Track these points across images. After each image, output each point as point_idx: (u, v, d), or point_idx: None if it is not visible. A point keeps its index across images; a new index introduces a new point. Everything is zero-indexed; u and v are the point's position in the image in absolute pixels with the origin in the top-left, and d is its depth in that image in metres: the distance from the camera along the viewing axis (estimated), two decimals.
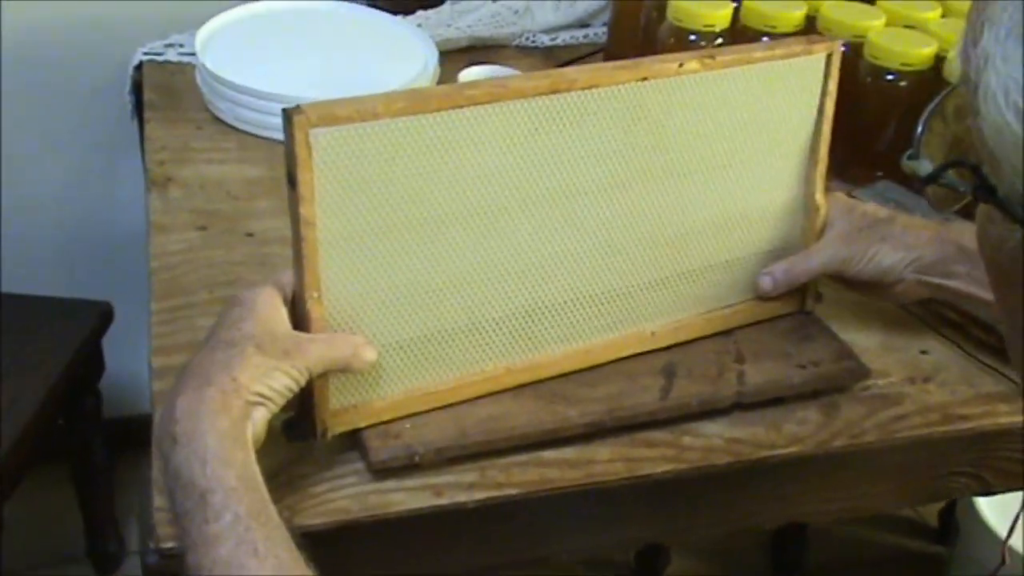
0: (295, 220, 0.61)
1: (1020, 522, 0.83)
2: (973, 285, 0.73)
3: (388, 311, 0.66)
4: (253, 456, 0.58)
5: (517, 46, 1.26)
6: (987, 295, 0.72)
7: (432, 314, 0.67)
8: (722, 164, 0.74)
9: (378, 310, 0.65)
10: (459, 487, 0.67)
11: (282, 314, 0.63)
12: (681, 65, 0.69)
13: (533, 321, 0.71)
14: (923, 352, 0.82)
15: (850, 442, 0.74)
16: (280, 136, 0.99)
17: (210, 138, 1.03)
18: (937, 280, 0.75)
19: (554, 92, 0.65)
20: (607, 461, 0.70)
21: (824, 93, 0.76)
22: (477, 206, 0.66)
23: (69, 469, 1.43)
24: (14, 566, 1.40)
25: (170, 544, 0.61)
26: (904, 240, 0.75)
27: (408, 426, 0.68)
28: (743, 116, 0.73)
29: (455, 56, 1.19)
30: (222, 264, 0.85)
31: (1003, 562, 1.10)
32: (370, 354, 0.64)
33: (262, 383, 0.59)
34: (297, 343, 0.62)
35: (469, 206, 0.66)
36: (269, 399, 0.60)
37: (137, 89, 1.15)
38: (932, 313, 0.84)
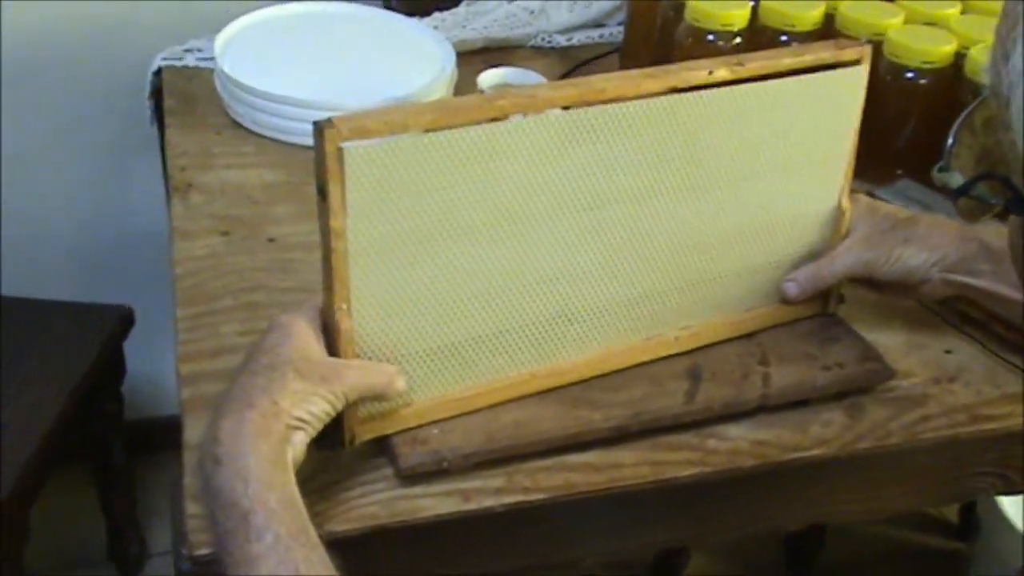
0: (325, 232, 0.61)
1: None
2: (998, 283, 0.73)
3: (416, 321, 0.66)
4: (293, 478, 0.58)
5: (532, 47, 1.26)
6: (1012, 293, 0.72)
7: (460, 323, 0.67)
8: (752, 174, 0.74)
9: (406, 320, 0.66)
10: (487, 492, 0.67)
11: (318, 340, 0.63)
12: (711, 72, 0.68)
13: (559, 327, 0.71)
14: (947, 351, 0.82)
15: (875, 444, 0.74)
16: (297, 140, 1.01)
17: (229, 143, 1.04)
18: (962, 278, 0.75)
19: (583, 102, 0.65)
20: (632, 465, 0.70)
21: (854, 99, 0.75)
22: (506, 216, 0.66)
23: (90, 472, 1.43)
24: (37, 569, 1.40)
25: (203, 551, 0.62)
26: (928, 240, 0.75)
27: (435, 432, 0.69)
28: (775, 126, 0.73)
29: (470, 57, 1.18)
30: (245, 270, 0.86)
31: None
32: (401, 384, 0.65)
33: (302, 408, 0.60)
34: (334, 369, 0.62)
35: (498, 216, 0.66)
36: (308, 423, 0.61)
37: (157, 94, 1.15)
38: (953, 311, 0.84)
